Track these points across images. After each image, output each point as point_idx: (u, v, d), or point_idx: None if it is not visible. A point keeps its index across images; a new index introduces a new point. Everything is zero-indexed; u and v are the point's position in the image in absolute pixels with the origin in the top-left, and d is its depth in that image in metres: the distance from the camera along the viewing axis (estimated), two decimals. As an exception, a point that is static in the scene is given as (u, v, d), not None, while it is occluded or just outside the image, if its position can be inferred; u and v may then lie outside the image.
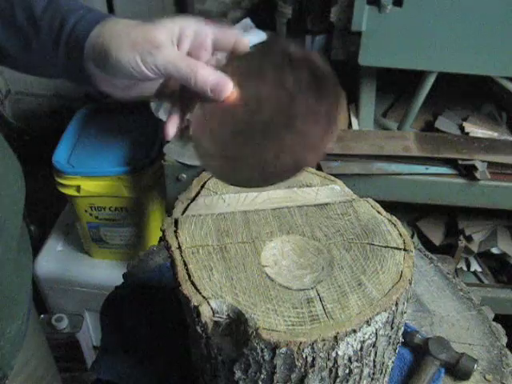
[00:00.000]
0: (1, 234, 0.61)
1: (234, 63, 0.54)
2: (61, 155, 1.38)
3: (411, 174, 1.32)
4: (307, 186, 0.65)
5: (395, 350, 0.59)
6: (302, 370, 0.49)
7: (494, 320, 0.75)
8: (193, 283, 0.52)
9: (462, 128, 1.44)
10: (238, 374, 0.51)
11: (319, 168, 1.31)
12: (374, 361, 0.53)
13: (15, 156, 0.69)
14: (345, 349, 0.49)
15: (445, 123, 1.47)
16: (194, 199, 0.64)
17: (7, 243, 0.63)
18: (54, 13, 0.56)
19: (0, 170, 0.62)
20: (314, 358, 0.48)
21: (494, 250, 1.56)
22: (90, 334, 1.64)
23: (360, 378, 0.54)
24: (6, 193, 0.63)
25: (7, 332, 0.67)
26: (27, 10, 0.57)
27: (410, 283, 0.53)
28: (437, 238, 1.60)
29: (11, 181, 0.65)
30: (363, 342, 0.49)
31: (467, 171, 1.30)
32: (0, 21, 0.59)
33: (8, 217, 0.63)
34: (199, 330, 0.51)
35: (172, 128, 0.54)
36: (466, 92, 1.57)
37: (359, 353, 0.50)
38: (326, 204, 0.62)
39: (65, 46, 0.55)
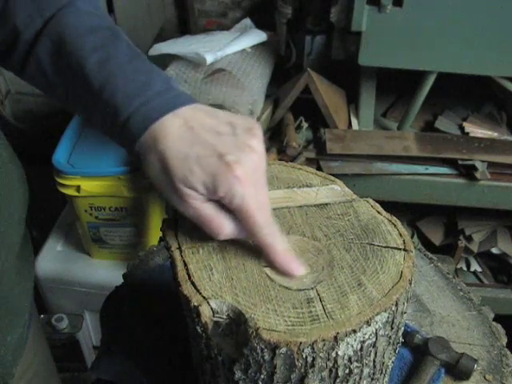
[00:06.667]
0: (2, 244, 0.60)
1: None
2: (61, 155, 1.38)
3: (411, 174, 1.32)
4: (307, 186, 0.65)
5: (395, 350, 0.59)
6: (302, 370, 0.49)
7: (494, 320, 0.75)
8: (193, 283, 0.52)
9: (462, 128, 1.45)
10: (238, 374, 0.51)
11: (319, 168, 1.31)
12: (374, 361, 0.53)
13: (19, 162, 0.68)
14: (345, 349, 0.49)
15: (445, 123, 1.47)
16: (193, 199, 0.64)
17: (8, 253, 0.62)
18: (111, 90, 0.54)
19: (2, 176, 0.61)
20: (313, 358, 0.48)
21: (494, 250, 1.56)
22: (90, 333, 1.64)
23: (360, 378, 0.54)
24: (9, 200, 0.62)
25: (8, 341, 0.66)
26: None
27: (410, 283, 0.53)
28: (437, 238, 1.60)
29: (14, 188, 0.64)
30: (363, 342, 0.49)
31: (467, 171, 1.30)
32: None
33: (10, 226, 0.62)
34: (199, 330, 0.51)
35: None
36: (466, 92, 1.57)
37: (359, 353, 0.50)
38: (326, 204, 0.62)
39: (119, 133, 0.56)
